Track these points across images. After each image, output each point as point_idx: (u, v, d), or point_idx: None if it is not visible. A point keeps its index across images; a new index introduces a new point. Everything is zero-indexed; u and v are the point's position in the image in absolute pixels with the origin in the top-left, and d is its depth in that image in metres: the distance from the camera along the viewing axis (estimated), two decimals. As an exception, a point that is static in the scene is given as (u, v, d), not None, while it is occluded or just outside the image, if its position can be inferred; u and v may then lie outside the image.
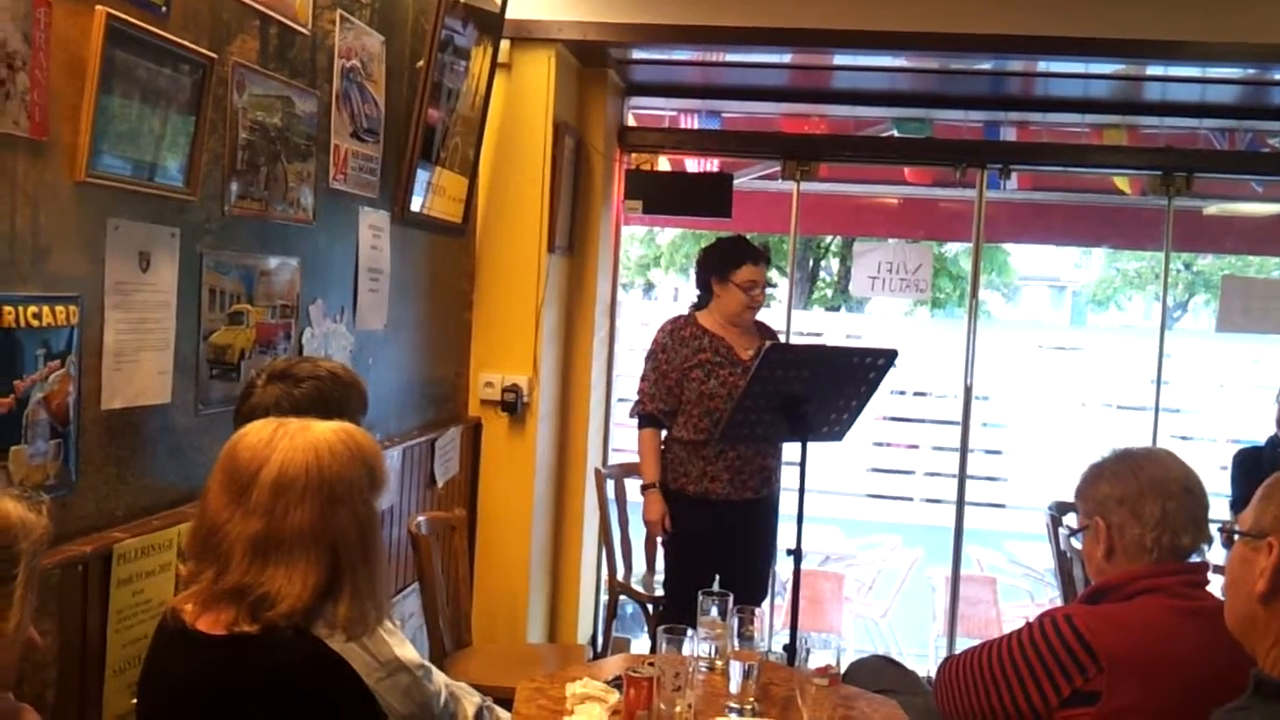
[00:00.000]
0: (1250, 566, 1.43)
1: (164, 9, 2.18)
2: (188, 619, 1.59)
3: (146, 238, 2.20)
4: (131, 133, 2.10)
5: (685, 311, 3.95)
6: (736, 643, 2.34)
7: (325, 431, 1.62)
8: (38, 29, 1.85)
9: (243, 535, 1.56)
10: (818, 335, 9.24)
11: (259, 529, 1.55)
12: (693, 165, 5.61)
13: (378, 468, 1.66)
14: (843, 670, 2.49)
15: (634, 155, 5.10)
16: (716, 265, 3.84)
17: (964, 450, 5.20)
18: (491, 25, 3.85)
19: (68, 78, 1.94)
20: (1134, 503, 1.96)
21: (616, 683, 2.27)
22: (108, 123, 2.02)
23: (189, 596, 1.61)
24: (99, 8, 1.97)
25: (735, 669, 2.26)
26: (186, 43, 2.23)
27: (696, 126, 5.40)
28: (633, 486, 4.24)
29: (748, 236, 4.06)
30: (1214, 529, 1.92)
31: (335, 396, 2.12)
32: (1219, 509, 3.62)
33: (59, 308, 1.95)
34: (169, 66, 2.19)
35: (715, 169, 5.57)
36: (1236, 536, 1.48)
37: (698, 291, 3.94)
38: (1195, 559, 1.97)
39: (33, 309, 1.89)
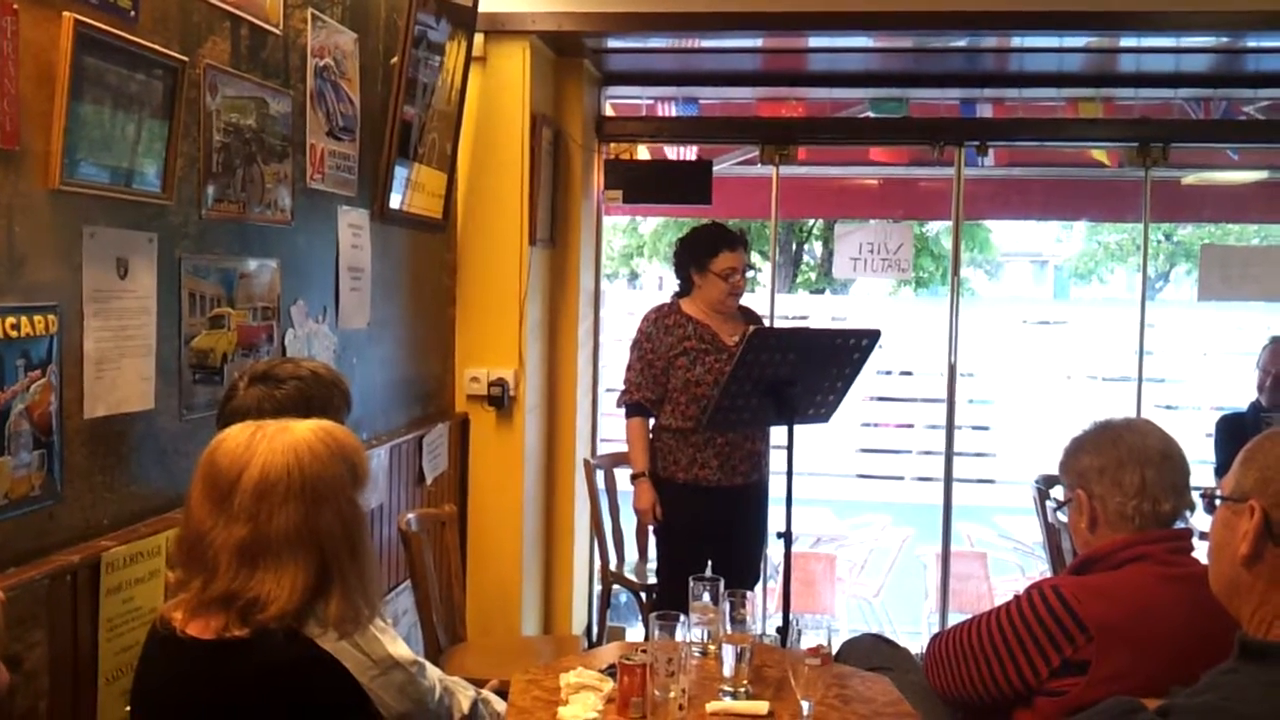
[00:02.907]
0: (1233, 530, 1.44)
1: (133, 13, 2.16)
2: (177, 626, 1.59)
3: (124, 244, 2.19)
4: (105, 139, 2.09)
5: (669, 300, 3.96)
6: (729, 627, 2.34)
7: (304, 432, 1.62)
8: (4, 37, 1.83)
9: (228, 542, 1.55)
10: (803, 319, 9.26)
11: (244, 535, 1.55)
12: (672, 153, 5.61)
13: (359, 464, 1.66)
14: (835, 650, 2.50)
15: (612, 145, 5.10)
16: (693, 256, 3.84)
17: (950, 427, 5.22)
18: (465, 19, 3.83)
19: (37, 85, 1.92)
20: (1114, 473, 1.98)
21: (611, 671, 2.27)
22: (80, 129, 2.01)
23: (178, 604, 1.61)
24: (66, 14, 1.95)
25: (728, 652, 2.27)
26: (157, 46, 2.22)
27: (674, 114, 5.40)
28: (622, 476, 4.25)
29: (728, 223, 4.06)
30: (1196, 495, 1.94)
31: (318, 396, 2.11)
32: (1204, 475, 3.65)
33: (37, 317, 1.94)
34: (140, 71, 2.17)
35: (694, 156, 5.57)
36: (1218, 501, 1.49)
37: (678, 281, 3.95)
38: (1179, 525, 1.99)
39: (10, 320, 1.88)
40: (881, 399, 9.48)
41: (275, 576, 1.55)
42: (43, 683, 1.92)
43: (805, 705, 2.13)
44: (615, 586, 4.46)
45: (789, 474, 3.43)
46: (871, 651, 2.59)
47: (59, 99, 1.95)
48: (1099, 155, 5.52)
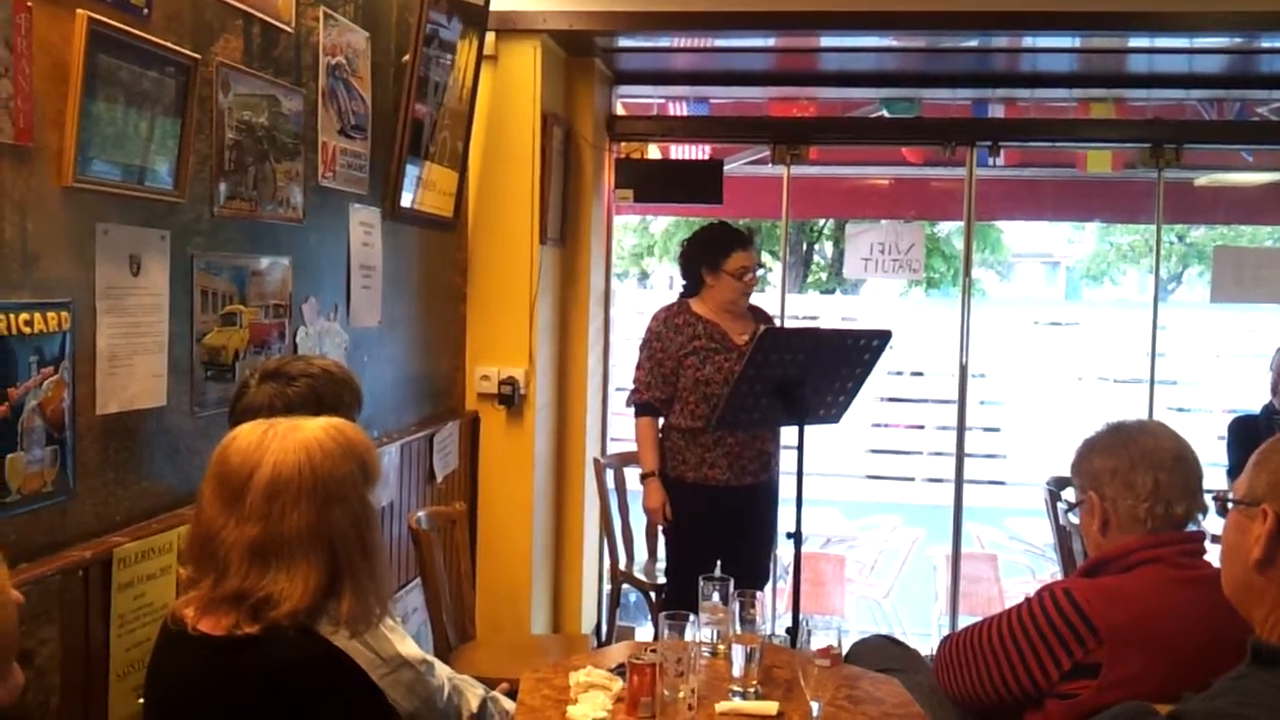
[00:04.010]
0: (1245, 534, 1.43)
1: (145, 11, 2.17)
2: (189, 622, 1.59)
3: (136, 241, 2.20)
4: (118, 136, 2.10)
5: (676, 299, 3.95)
6: (738, 627, 2.34)
7: (315, 430, 1.62)
8: (19, 34, 1.84)
9: (240, 541, 1.55)
10: (813, 319, 9.25)
11: (256, 534, 1.55)
12: (682, 153, 5.60)
13: (370, 462, 1.66)
14: (845, 651, 2.50)
15: (623, 144, 5.10)
16: (705, 256, 3.83)
17: (961, 428, 5.21)
18: (476, 18, 3.84)
19: (51, 83, 1.93)
20: (1126, 475, 1.97)
21: (620, 670, 2.28)
22: (93, 127, 2.02)
23: (189, 601, 1.61)
24: (80, 11, 1.96)
25: (737, 653, 2.27)
26: (169, 44, 2.22)
27: (685, 114, 5.40)
28: (632, 475, 4.25)
29: (737, 222, 4.05)
30: (1209, 498, 1.93)
31: (329, 394, 2.12)
32: (1216, 478, 3.63)
33: (50, 314, 1.95)
34: (153, 69, 2.18)
35: (705, 156, 5.56)
36: (1231, 505, 1.49)
37: (684, 282, 3.95)
38: (1191, 528, 1.98)
39: (24, 316, 1.89)
40: (892, 400, 9.45)
41: (287, 576, 1.55)
42: (54, 679, 1.93)
43: (815, 706, 2.13)
44: (625, 586, 4.46)
45: (799, 474, 3.42)
46: (881, 653, 2.59)
47: (72, 96, 1.96)
48: (1098, 164, 5.44)
